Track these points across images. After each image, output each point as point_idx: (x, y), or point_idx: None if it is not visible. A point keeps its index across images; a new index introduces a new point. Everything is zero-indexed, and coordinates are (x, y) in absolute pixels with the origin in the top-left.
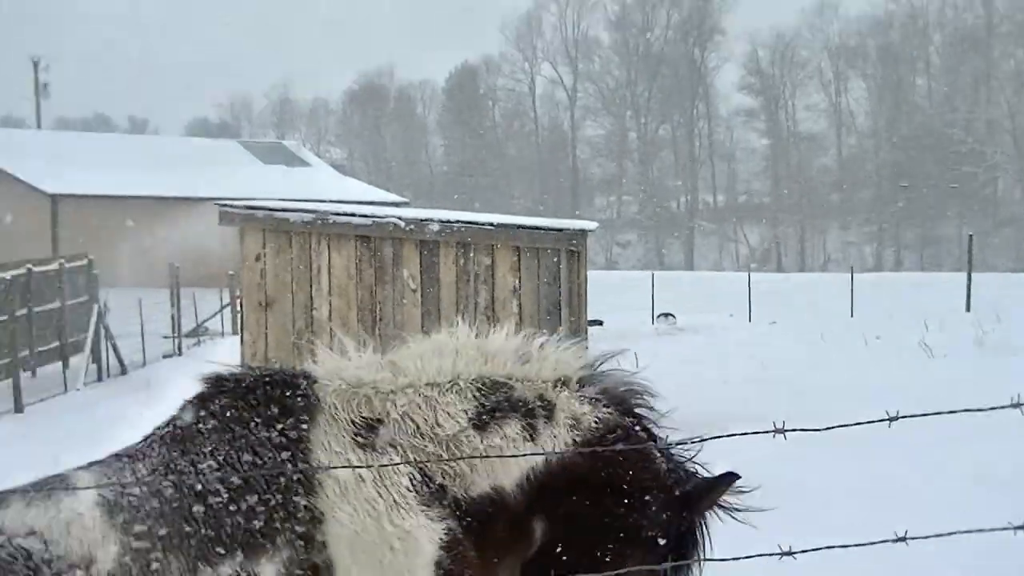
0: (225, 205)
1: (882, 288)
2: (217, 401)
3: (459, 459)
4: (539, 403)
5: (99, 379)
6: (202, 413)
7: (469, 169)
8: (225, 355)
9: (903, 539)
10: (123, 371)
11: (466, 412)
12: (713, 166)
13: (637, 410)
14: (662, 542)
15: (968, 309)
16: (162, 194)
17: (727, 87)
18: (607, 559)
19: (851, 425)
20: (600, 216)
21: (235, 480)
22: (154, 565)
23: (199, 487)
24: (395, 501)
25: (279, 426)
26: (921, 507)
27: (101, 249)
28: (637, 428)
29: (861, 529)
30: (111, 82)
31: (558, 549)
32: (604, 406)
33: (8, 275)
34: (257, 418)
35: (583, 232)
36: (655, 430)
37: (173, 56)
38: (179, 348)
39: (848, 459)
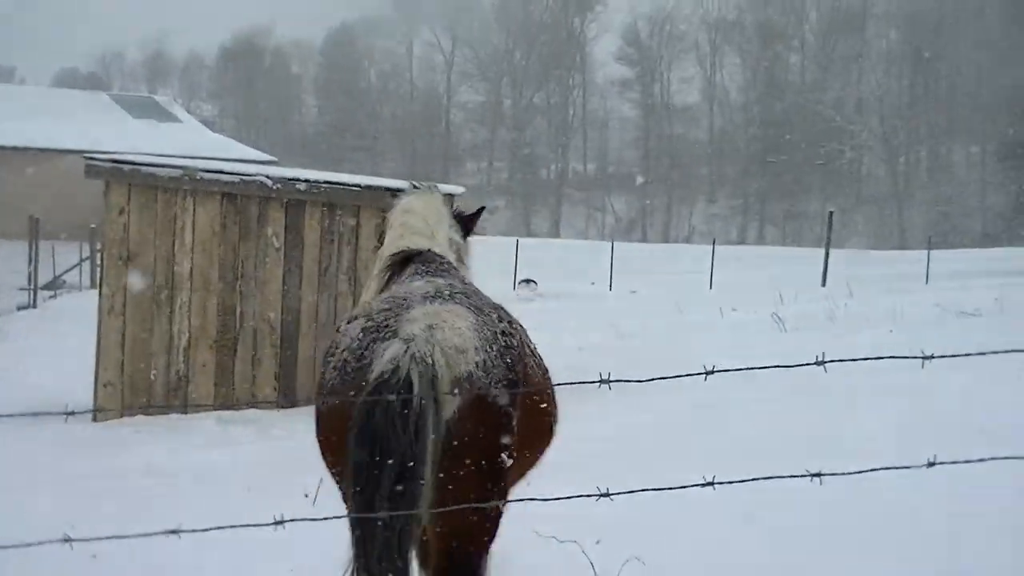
0: (91, 158)
1: (743, 261)
2: (424, 261)
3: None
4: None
5: None
6: (424, 263)
7: (341, 130)
8: (80, 308)
9: (710, 483)
10: None
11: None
12: (585, 135)
13: None
14: None
15: (824, 284)
16: (25, 145)
17: (604, 57)
18: None
19: (671, 377)
20: (470, 182)
21: (471, 286)
22: (491, 317)
23: (466, 288)
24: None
25: (462, 271)
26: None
27: None
28: None
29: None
30: None
31: None
32: None
33: None
34: (448, 265)
35: (450, 196)
36: None
37: (44, 3)
38: (34, 300)
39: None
